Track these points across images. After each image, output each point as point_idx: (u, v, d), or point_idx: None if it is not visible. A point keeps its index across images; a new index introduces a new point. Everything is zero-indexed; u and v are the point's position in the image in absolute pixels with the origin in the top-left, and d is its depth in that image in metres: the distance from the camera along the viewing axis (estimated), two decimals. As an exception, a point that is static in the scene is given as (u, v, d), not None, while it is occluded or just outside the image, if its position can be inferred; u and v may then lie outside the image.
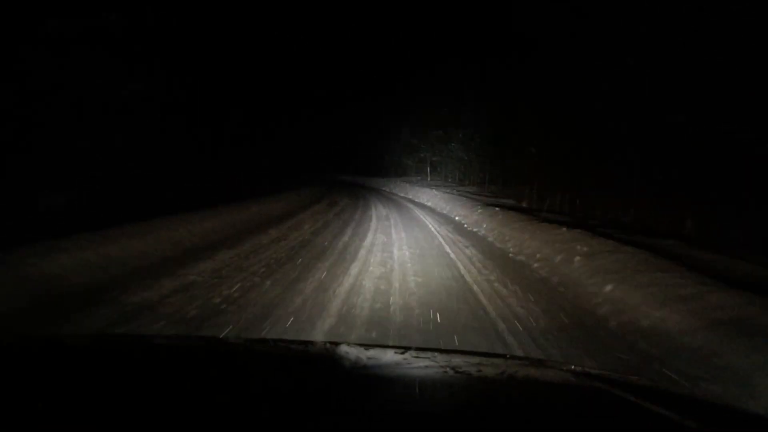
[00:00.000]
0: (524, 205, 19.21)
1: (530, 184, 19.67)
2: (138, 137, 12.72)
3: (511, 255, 8.44)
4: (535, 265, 7.40)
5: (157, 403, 0.91)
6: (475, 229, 11.94)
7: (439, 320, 4.60)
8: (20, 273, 5.02)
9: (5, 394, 0.94)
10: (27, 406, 0.87)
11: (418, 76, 34.33)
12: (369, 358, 1.32)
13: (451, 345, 3.97)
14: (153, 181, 13.22)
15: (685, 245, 8.40)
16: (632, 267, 5.80)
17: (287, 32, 29.52)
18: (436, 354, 1.50)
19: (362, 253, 8.01)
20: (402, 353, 1.41)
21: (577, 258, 6.72)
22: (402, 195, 26.69)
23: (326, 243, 8.93)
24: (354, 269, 6.71)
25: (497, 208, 13.95)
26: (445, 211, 16.85)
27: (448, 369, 1.28)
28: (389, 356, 1.43)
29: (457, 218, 14.59)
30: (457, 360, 1.43)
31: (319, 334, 4.14)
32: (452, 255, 8.17)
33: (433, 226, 12.55)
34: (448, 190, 24.53)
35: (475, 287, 5.93)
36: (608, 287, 5.42)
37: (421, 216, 15.28)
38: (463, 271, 6.90)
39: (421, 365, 1.31)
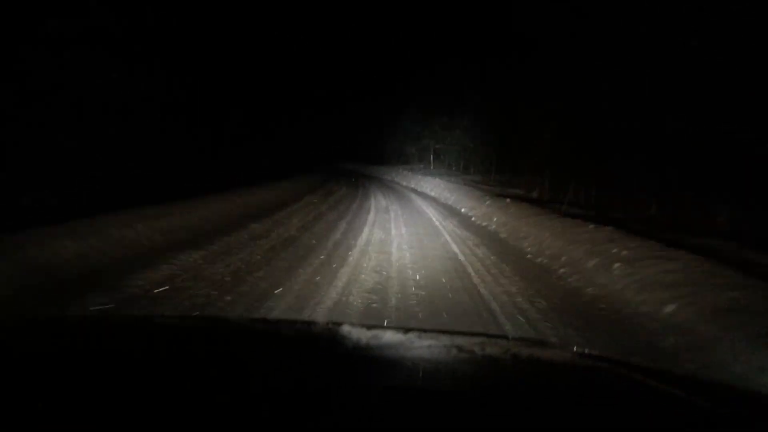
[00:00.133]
0: (535, 195, 17.95)
1: (541, 173, 18.39)
2: (138, 137, 12.64)
3: (529, 256, 7.19)
4: (562, 270, 6.14)
5: (158, 383, 0.86)
6: (484, 224, 10.68)
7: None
8: None
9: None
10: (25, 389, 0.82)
11: (418, 76, 34.33)
12: (372, 338, 1.33)
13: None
14: (153, 182, 12.51)
15: (735, 246, 7.15)
16: (694, 280, 4.54)
17: (287, 32, 30.16)
18: (439, 334, 1.56)
19: (354, 255, 6.77)
20: (404, 333, 1.41)
21: (617, 265, 5.45)
22: (404, 184, 25.40)
23: (314, 241, 7.69)
24: (342, 278, 5.46)
25: (508, 200, 12.67)
26: (449, 202, 15.57)
27: (452, 348, 1.25)
28: (392, 336, 1.41)
29: (463, 210, 13.31)
30: (461, 340, 1.39)
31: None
32: (461, 257, 6.92)
33: (437, 219, 11.28)
34: (452, 179, 23.26)
35: (493, 304, 4.68)
36: (668, 308, 4.16)
37: (424, 207, 14.01)
38: (475, 279, 5.64)
39: (424, 344, 1.29)
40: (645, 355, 3.55)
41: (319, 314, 4.22)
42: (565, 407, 0.88)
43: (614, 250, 5.93)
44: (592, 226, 7.59)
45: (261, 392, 0.84)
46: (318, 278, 5.41)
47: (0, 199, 8.44)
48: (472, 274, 5.90)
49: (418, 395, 0.86)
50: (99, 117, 11.37)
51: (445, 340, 1.38)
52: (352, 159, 45.57)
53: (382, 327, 1.95)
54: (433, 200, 16.73)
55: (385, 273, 5.75)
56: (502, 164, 24.83)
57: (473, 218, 11.68)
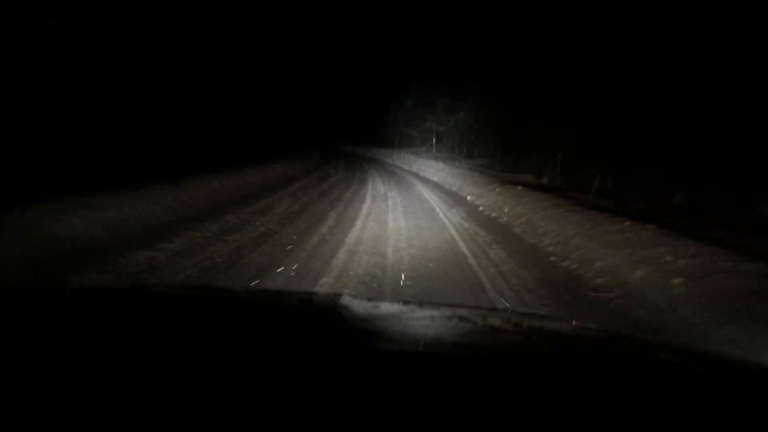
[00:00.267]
0: (545, 182, 16.65)
1: (553, 157, 17.06)
2: (138, 137, 12.40)
3: (553, 259, 5.96)
4: (598, 281, 4.92)
5: (162, 353, 0.82)
6: (494, 215, 9.43)
7: None
8: None
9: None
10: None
11: (418, 76, 33.50)
12: (373, 308, 1.35)
13: None
14: (152, 181, 11.84)
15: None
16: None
17: (287, 32, 29.12)
18: (440, 306, 1.65)
19: (341, 256, 5.53)
20: (405, 305, 1.45)
21: (677, 280, 4.21)
22: (405, 168, 24.10)
23: (295, 237, 6.45)
24: (320, 291, 4.24)
25: (519, 187, 11.38)
26: (454, 189, 14.29)
27: (453, 318, 1.26)
28: (393, 307, 1.45)
29: (469, 198, 12.05)
30: (462, 311, 1.40)
31: None
32: (471, 260, 5.69)
33: (441, 209, 10.03)
34: (455, 163, 21.97)
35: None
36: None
37: (426, 195, 12.75)
38: (492, 295, 4.42)
39: (426, 314, 1.30)
40: None
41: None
42: (568, 370, 0.89)
43: (668, 258, 4.68)
44: (627, 222, 6.33)
45: (263, 361, 0.80)
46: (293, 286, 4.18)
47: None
48: (488, 286, 4.67)
49: (421, 358, 0.86)
50: (99, 117, 11.25)
51: (447, 311, 1.39)
52: (352, 142, 44.46)
53: (382, 300, 2.05)
54: (437, 186, 15.45)
55: (375, 286, 4.52)
56: (509, 147, 23.50)
57: (481, 208, 10.43)
